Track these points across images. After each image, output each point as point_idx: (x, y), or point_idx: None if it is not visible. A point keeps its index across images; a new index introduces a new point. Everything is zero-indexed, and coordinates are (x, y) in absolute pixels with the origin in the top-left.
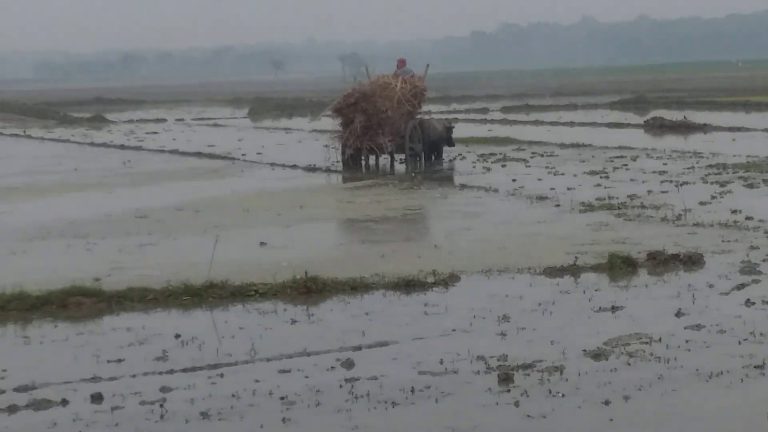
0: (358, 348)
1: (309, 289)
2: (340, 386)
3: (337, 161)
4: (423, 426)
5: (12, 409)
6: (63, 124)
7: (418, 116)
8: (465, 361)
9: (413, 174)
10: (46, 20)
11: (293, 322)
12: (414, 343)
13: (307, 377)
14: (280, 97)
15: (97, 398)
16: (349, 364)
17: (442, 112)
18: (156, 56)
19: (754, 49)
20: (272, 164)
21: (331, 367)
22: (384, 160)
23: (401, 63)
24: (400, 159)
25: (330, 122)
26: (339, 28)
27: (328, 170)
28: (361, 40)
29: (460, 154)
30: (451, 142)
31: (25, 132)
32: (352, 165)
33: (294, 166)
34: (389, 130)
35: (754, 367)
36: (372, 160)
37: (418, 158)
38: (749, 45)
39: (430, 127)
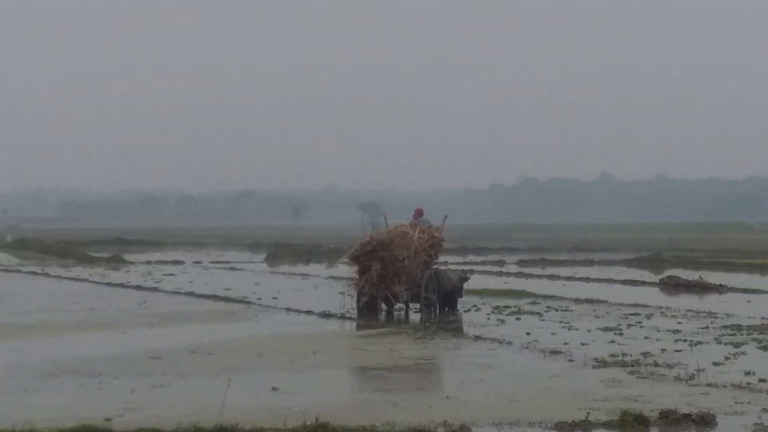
0: None
1: None
2: None
3: (352, 308)
4: None
5: None
6: (81, 263)
7: (434, 266)
8: None
9: (427, 324)
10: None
11: None
12: None
13: None
14: (297, 242)
15: None
16: None
17: (458, 263)
18: (177, 198)
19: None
20: (287, 309)
21: None
22: (399, 309)
23: (418, 213)
24: (415, 308)
25: (346, 269)
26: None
27: (342, 317)
28: (381, 189)
29: (475, 306)
30: (461, 293)
31: (43, 270)
32: (367, 313)
33: (309, 312)
34: (405, 279)
35: None
36: (386, 308)
37: (433, 308)
38: (767, 207)
39: (446, 278)
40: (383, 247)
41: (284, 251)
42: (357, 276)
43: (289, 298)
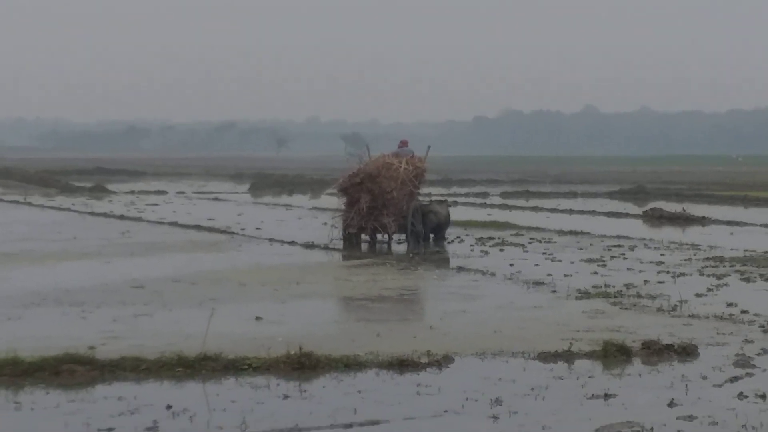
0: (349, 426)
1: (302, 365)
2: None
3: (338, 239)
4: None
5: None
6: (64, 192)
7: (424, 199)
8: None
9: (411, 255)
10: (50, 89)
11: (285, 397)
12: (405, 423)
13: None
14: (281, 173)
15: None
16: None
17: (442, 195)
18: (159, 129)
19: (753, 145)
20: (271, 240)
21: None
22: (382, 239)
23: (403, 143)
24: (399, 239)
25: (330, 200)
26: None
27: (326, 247)
28: (364, 121)
29: (458, 237)
30: (448, 224)
31: (25, 199)
32: (352, 244)
33: (292, 243)
34: (393, 210)
35: None
36: (372, 240)
37: (419, 239)
38: (749, 141)
39: (436, 212)
40: (371, 179)
41: (267, 182)
42: (345, 207)
43: (273, 228)
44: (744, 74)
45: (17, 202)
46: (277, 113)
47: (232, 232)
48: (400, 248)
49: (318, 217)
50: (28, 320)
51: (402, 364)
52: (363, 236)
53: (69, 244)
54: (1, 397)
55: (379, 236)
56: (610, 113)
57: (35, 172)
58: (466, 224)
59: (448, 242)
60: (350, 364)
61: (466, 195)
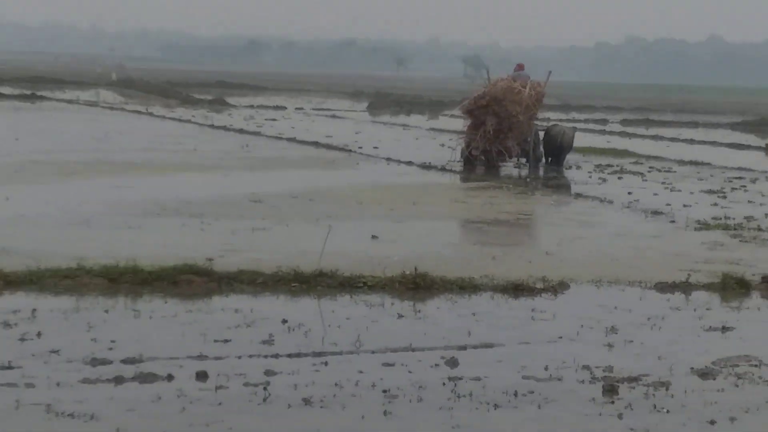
0: (463, 348)
1: (417, 285)
2: (443, 384)
3: (457, 161)
4: (523, 430)
5: (118, 380)
6: (185, 104)
7: (551, 123)
8: (570, 369)
9: (528, 179)
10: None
11: (400, 316)
12: (519, 347)
13: (410, 372)
14: (399, 93)
15: (202, 376)
16: (453, 363)
17: (561, 120)
18: (280, 44)
19: None
20: (388, 159)
21: (435, 365)
22: (503, 163)
23: (519, 67)
24: (520, 163)
25: (448, 122)
26: (463, 29)
27: (442, 169)
28: (484, 43)
29: (576, 164)
30: (570, 148)
31: (147, 110)
32: (473, 166)
33: (409, 163)
34: (517, 134)
35: None
36: (493, 163)
37: (540, 163)
38: None
39: (563, 134)
40: (497, 102)
41: (386, 101)
42: (469, 130)
43: (390, 148)
44: None
45: (139, 112)
46: (398, 33)
47: (350, 150)
48: (516, 173)
49: (435, 138)
50: (148, 230)
51: (517, 289)
52: (483, 159)
53: (189, 156)
54: (121, 305)
55: (508, 160)
56: (736, 43)
57: (157, 83)
58: (585, 151)
59: (566, 168)
60: (465, 287)
61: (585, 121)
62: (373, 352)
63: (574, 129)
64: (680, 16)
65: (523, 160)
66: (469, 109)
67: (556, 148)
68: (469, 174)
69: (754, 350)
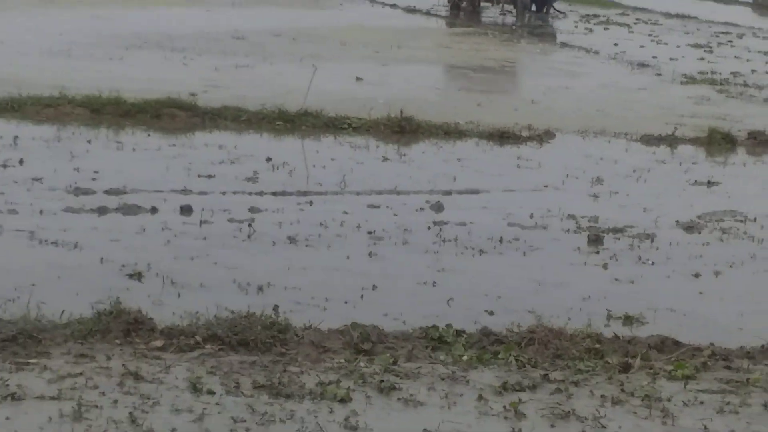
0: (449, 193)
1: (402, 129)
2: (429, 228)
3: (443, 5)
4: (509, 276)
5: (102, 210)
6: None
7: None
8: (555, 218)
9: (514, 26)
10: None
11: (385, 159)
12: (505, 195)
13: (395, 215)
14: None
15: (186, 210)
16: (438, 207)
17: None
18: None
19: None
20: (372, 1)
21: (421, 209)
22: (488, 9)
23: None
24: (503, 10)
25: None
26: None
27: (427, 13)
28: None
29: (562, 13)
30: None
31: None
32: (459, 10)
33: (394, 6)
34: None
35: None
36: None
37: (525, 11)
38: None
39: None
40: None
41: None
42: None
43: None
44: None
45: None
46: None
47: None
48: (500, 20)
49: None
50: (130, 62)
51: (503, 136)
52: (468, 4)
53: None
54: (103, 136)
55: (486, 4)
56: None
57: None
58: (571, 1)
59: (552, 17)
60: (450, 132)
61: None
62: (358, 194)
63: None
64: None
65: (510, 6)
66: None
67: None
68: (454, 19)
69: (740, 206)
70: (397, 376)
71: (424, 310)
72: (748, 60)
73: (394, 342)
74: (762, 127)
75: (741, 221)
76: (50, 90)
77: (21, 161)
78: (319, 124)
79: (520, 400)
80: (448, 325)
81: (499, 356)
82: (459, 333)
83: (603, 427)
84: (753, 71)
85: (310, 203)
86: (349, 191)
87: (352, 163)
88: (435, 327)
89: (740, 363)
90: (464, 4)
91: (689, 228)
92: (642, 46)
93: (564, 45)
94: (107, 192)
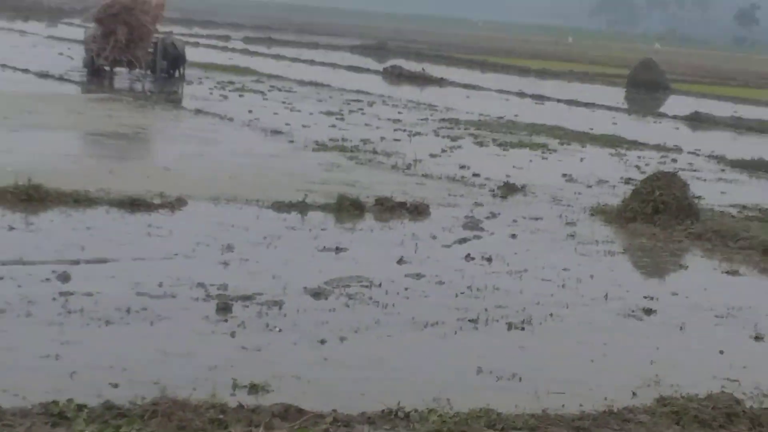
0: (76, 262)
1: (30, 197)
2: (54, 299)
3: (79, 70)
4: (135, 347)
5: None
6: None
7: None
8: (185, 286)
9: (149, 92)
10: None
11: (11, 228)
12: (134, 263)
13: (19, 286)
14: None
15: None
16: (65, 278)
17: (184, 35)
18: None
19: (494, 10)
20: (2, 66)
21: (47, 279)
22: (121, 74)
23: None
24: (137, 74)
25: (68, 30)
26: None
27: (61, 78)
28: None
29: (198, 79)
30: (185, 60)
31: None
32: (101, 76)
33: (26, 71)
34: (146, 44)
35: (469, 320)
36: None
37: (165, 74)
38: (490, 5)
39: (175, 44)
40: (127, 10)
41: (2, 5)
42: (99, 38)
43: (6, 54)
44: None
45: None
46: None
47: None
48: (136, 85)
49: (54, 47)
50: None
51: (134, 204)
52: (107, 70)
53: None
54: None
55: (125, 70)
56: None
57: None
58: (207, 67)
59: (188, 83)
60: (80, 200)
61: (208, 37)
62: None
63: (183, 41)
64: None
65: (142, 71)
66: (100, 18)
67: (173, 59)
68: (89, 84)
69: (366, 271)
70: None
71: (46, 385)
72: (377, 127)
73: (11, 419)
74: (389, 193)
75: (367, 286)
76: None
77: None
78: None
79: None
80: (69, 400)
81: (122, 430)
82: (80, 407)
83: None
84: (382, 138)
85: None
86: None
87: None
88: (55, 402)
89: (362, 428)
90: (101, 68)
91: (317, 294)
92: (276, 113)
93: (199, 111)
94: None
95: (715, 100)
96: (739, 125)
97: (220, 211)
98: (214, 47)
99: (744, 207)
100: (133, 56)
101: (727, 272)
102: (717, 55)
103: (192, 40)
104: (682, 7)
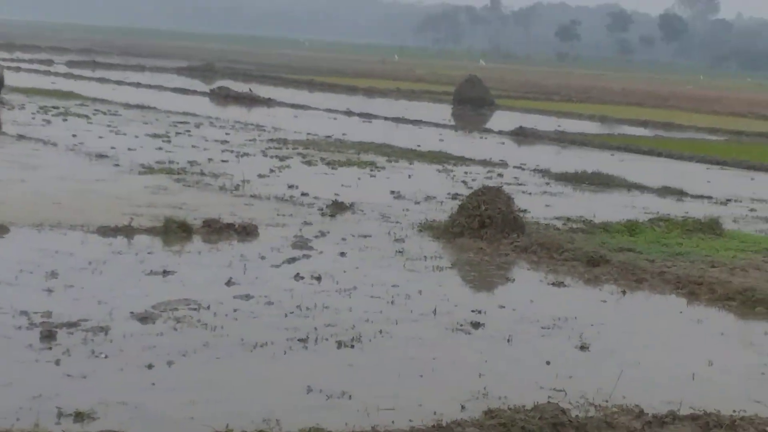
0: None
1: None
2: None
3: None
4: None
5: None
6: None
7: None
8: (7, 315)
9: None
10: None
11: None
12: None
13: None
14: None
15: None
16: None
17: (4, 60)
18: None
19: (321, 31)
20: None
21: None
22: None
23: None
24: None
25: None
26: None
27: None
28: None
29: (21, 104)
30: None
31: None
32: None
33: None
34: None
35: (298, 340)
36: None
37: None
38: (317, 26)
39: None
40: None
41: None
42: None
43: None
44: None
45: None
46: None
47: None
48: None
49: None
50: None
51: None
52: None
53: None
54: None
55: None
56: None
57: None
58: (29, 92)
59: (8, 109)
60: None
61: (30, 61)
62: None
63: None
64: None
65: None
66: None
67: None
68: None
69: (194, 294)
70: None
71: None
72: (205, 149)
73: None
74: (217, 214)
75: (195, 309)
76: None
77: None
78: None
79: None
80: None
81: None
82: None
83: None
84: (210, 160)
85: None
86: None
87: None
88: None
89: None
90: None
91: (144, 318)
92: (101, 137)
93: (21, 137)
94: None
95: (539, 114)
96: (562, 139)
97: (43, 237)
98: (37, 71)
99: (569, 219)
100: None
101: (553, 284)
102: (540, 71)
103: (13, 64)
104: (504, 24)
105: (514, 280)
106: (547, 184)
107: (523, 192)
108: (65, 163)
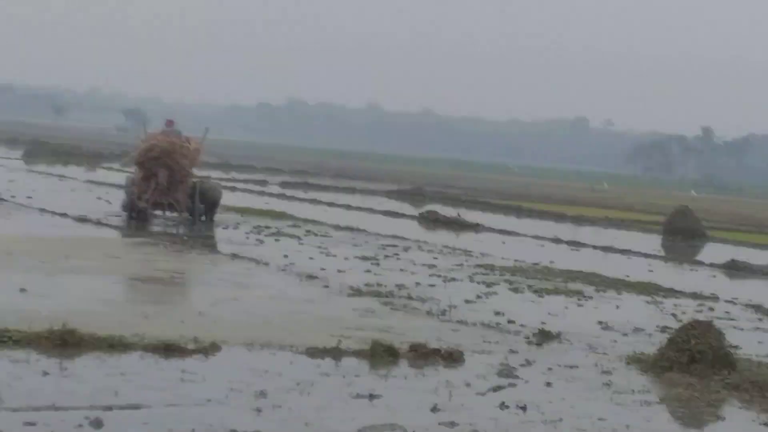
0: (109, 408)
1: (65, 342)
2: None
3: (117, 215)
4: None
5: None
6: None
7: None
8: None
9: (186, 237)
10: None
11: (45, 374)
12: (167, 410)
13: None
14: (57, 142)
15: None
16: (97, 424)
17: (221, 180)
18: None
19: (529, 156)
20: (42, 210)
21: (79, 425)
22: (171, 216)
23: (169, 123)
24: (175, 219)
25: (106, 174)
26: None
27: (98, 222)
28: (147, 96)
29: (236, 224)
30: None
31: None
32: (141, 218)
33: (64, 215)
34: (186, 187)
35: None
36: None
37: (201, 218)
38: (526, 151)
39: (215, 188)
40: (168, 154)
41: (43, 150)
42: (141, 181)
43: (45, 198)
44: (524, 84)
45: None
46: (57, 81)
47: (2, 199)
48: (173, 229)
49: (92, 191)
50: None
51: (168, 349)
52: (152, 212)
53: None
54: None
55: (167, 213)
56: (394, 112)
57: None
58: (243, 211)
59: (224, 228)
60: (115, 345)
61: (245, 182)
62: (14, 411)
63: (220, 185)
64: (340, 83)
65: (178, 215)
66: (140, 161)
67: (210, 204)
68: (126, 229)
69: (400, 419)
70: None
71: None
72: (412, 273)
73: None
74: (423, 339)
75: None
76: None
77: None
78: None
79: None
80: None
81: None
82: None
83: None
84: (417, 284)
85: None
86: (5, 408)
87: (10, 379)
88: None
89: None
90: (141, 210)
91: None
92: (311, 258)
93: (235, 256)
94: None
95: (752, 248)
96: None
97: (253, 356)
98: (251, 191)
99: None
100: (173, 199)
101: (765, 424)
102: (754, 203)
103: (229, 184)
104: (717, 154)
105: (724, 418)
106: (760, 320)
107: (735, 327)
108: (276, 283)
